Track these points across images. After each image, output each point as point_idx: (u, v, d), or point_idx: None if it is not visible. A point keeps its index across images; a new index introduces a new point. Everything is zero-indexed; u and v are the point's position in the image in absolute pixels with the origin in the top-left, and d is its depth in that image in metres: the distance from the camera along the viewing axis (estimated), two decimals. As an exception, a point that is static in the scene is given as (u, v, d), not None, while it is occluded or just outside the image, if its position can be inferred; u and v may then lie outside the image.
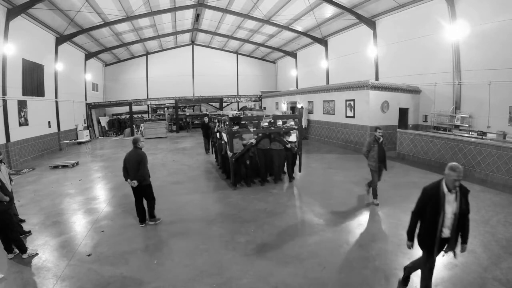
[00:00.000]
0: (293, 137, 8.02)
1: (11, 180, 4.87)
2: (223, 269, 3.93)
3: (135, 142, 5.27)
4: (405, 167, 9.41)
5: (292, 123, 8.29)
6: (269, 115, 7.98)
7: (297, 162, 8.34)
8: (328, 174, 8.81)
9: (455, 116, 10.78)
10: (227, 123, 7.47)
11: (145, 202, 5.46)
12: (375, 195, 6.14)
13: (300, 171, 8.36)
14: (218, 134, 9.11)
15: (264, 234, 4.93)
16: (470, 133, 10.00)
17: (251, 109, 10.42)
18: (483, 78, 9.85)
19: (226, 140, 7.70)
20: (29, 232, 5.11)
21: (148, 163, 10.81)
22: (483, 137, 9.16)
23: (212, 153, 11.71)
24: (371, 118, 11.51)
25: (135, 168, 5.11)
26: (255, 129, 7.55)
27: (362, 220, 5.43)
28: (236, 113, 7.77)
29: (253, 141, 7.42)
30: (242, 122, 7.67)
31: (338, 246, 4.48)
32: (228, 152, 7.29)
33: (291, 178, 8.10)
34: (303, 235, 4.91)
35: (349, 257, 4.16)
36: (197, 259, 4.22)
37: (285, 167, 8.26)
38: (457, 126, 10.69)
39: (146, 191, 5.36)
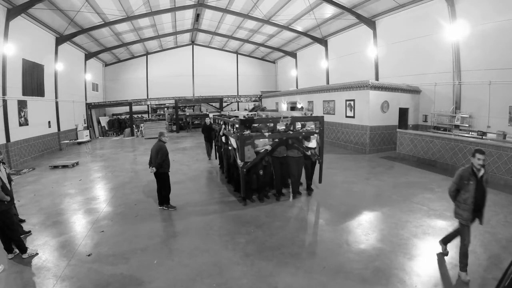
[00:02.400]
0: (313, 143, 6.86)
1: (11, 180, 4.88)
2: (223, 269, 3.93)
3: (159, 135, 6.16)
4: (405, 167, 9.41)
5: (313, 126, 7.17)
6: (287, 117, 6.68)
7: (312, 171, 7.12)
8: (328, 174, 8.78)
9: (455, 116, 10.78)
10: (237, 126, 6.28)
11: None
12: (463, 266, 3.62)
13: (320, 181, 7.14)
14: (223, 138, 7.98)
15: (264, 234, 4.93)
16: (470, 133, 10.00)
17: (263, 109, 8.71)
18: (483, 78, 9.85)
19: (235, 146, 6.57)
20: (29, 232, 5.11)
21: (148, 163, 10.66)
22: (483, 137, 9.16)
23: (216, 158, 10.47)
24: (371, 118, 11.51)
25: (155, 157, 5.92)
26: (270, 133, 6.32)
27: (362, 220, 5.43)
28: (248, 114, 6.44)
29: (268, 147, 6.30)
30: (255, 125, 6.53)
31: (338, 246, 4.48)
32: (238, 161, 6.18)
33: (309, 190, 7.00)
34: (303, 235, 4.91)
35: (349, 257, 4.16)
36: (197, 259, 4.22)
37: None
38: (457, 126, 10.69)
39: (160, 178, 6.08)
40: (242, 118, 6.24)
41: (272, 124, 6.52)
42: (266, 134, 6.27)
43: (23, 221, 5.50)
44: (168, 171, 6.15)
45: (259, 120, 6.60)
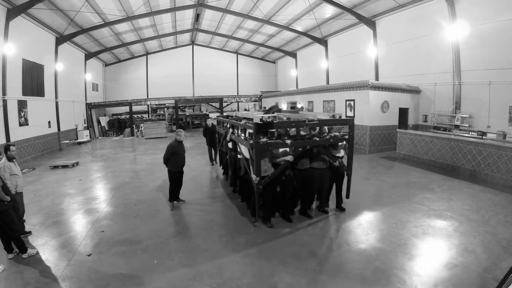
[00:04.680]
0: (341, 152, 5.73)
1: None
2: (223, 269, 3.93)
3: (176, 134, 6.34)
4: (405, 167, 9.41)
5: (338, 132, 5.93)
6: (312, 120, 5.35)
7: (341, 186, 5.97)
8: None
9: (455, 116, 10.78)
10: (251, 131, 5.10)
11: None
12: None
13: (348, 196, 6.04)
14: (230, 144, 6.78)
15: (264, 234, 4.93)
16: (470, 133, 10.01)
17: (279, 110, 7.28)
18: (483, 78, 9.85)
19: (246, 155, 5.44)
20: (29, 233, 5.11)
21: (148, 163, 10.74)
22: (483, 137, 9.16)
23: (220, 166, 9.30)
24: (371, 118, 11.51)
25: None
26: (292, 140, 5.10)
27: (362, 220, 5.43)
28: (263, 117, 5.06)
29: (290, 158, 5.15)
30: (275, 130, 5.22)
31: (338, 246, 4.48)
32: (253, 176, 5.03)
33: (340, 209, 5.88)
34: (303, 235, 4.90)
35: (349, 257, 4.17)
36: (197, 259, 4.22)
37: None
38: (457, 126, 10.69)
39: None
40: (258, 121, 4.90)
41: (293, 129, 5.37)
42: (288, 141, 5.02)
43: (24, 221, 5.50)
44: (174, 170, 6.25)
45: (279, 124, 5.16)
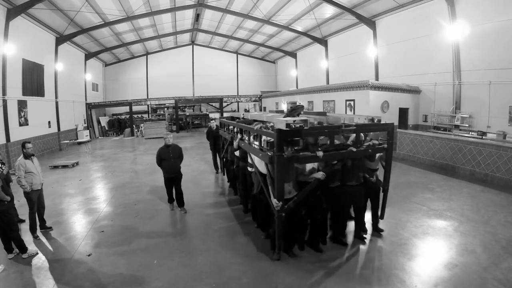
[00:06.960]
0: (376, 163, 4.74)
1: (11, 180, 4.88)
2: (223, 269, 3.93)
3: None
4: (405, 167, 9.41)
5: (375, 139, 4.77)
6: (350, 125, 4.19)
7: (377, 203, 4.92)
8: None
9: (455, 116, 10.79)
10: (269, 139, 3.99)
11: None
12: None
13: (382, 217, 4.95)
14: (238, 152, 5.62)
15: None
16: (470, 133, 10.02)
17: (299, 113, 5.18)
18: (483, 78, 9.85)
19: (263, 170, 4.25)
20: (50, 228, 5.31)
21: (148, 163, 10.72)
22: (483, 137, 9.17)
23: (224, 175, 8.30)
24: (371, 118, 11.50)
25: None
26: (324, 152, 3.89)
27: (362, 220, 5.42)
28: (289, 120, 3.93)
29: (322, 176, 4.00)
30: (305, 139, 4.07)
31: (338, 246, 4.47)
32: (274, 201, 3.86)
33: (377, 231, 4.81)
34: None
35: (349, 257, 4.16)
36: (197, 259, 4.22)
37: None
38: (457, 126, 10.70)
39: None
40: (283, 127, 3.73)
41: (327, 137, 4.16)
42: (320, 153, 3.81)
43: (23, 221, 5.50)
44: (165, 175, 6.00)
45: (309, 132, 3.86)
